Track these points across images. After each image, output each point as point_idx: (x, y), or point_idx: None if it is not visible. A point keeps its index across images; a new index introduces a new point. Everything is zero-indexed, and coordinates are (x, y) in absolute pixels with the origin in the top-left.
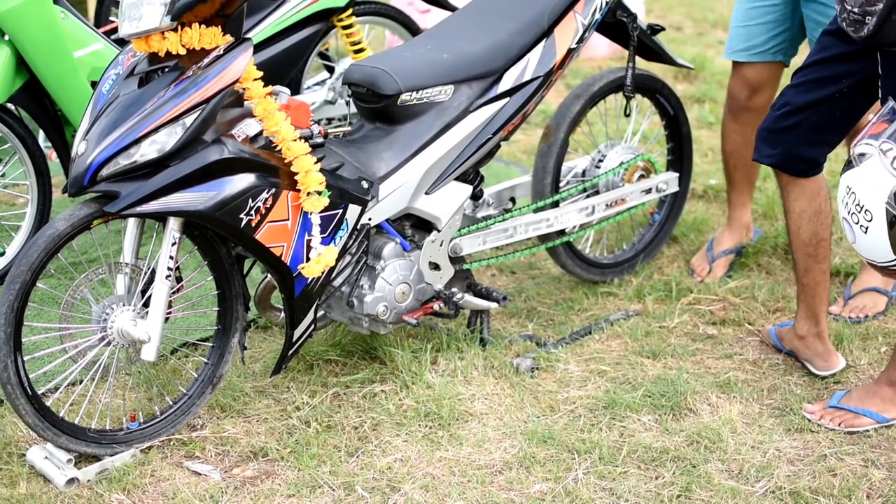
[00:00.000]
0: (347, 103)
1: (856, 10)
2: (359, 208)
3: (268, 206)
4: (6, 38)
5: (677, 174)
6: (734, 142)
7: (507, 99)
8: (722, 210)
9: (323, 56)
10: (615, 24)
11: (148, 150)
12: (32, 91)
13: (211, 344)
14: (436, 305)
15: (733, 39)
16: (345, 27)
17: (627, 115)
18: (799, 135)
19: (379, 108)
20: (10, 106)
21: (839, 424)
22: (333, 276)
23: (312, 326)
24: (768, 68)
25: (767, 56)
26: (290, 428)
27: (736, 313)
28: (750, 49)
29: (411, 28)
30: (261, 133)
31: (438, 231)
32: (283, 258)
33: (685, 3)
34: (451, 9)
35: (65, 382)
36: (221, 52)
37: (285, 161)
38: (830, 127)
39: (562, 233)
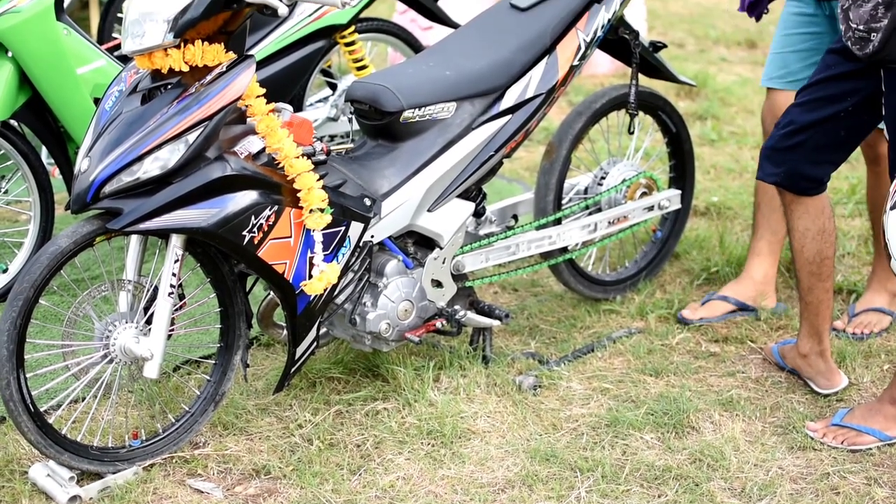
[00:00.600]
0: (350, 120)
1: (861, 27)
2: (361, 226)
3: (270, 223)
4: (9, 54)
5: (679, 191)
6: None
7: (509, 116)
8: (725, 227)
9: (325, 73)
10: (617, 42)
11: (151, 167)
12: (35, 108)
13: (213, 361)
14: (438, 323)
15: (769, 66)
16: (347, 44)
17: (631, 133)
18: (803, 153)
19: (381, 125)
20: (13, 122)
21: (842, 442)
22: (336, 293)
23: (315, 344)
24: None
25: (796, 85)
26: (292, 446)
27: (738, 331)
28: (785, 77)
29: (414, 45)
30: (263, 150)
31: (441, 248)
32: (285, 275)
33: (687, 20)
34: (454, 26)
35: (67, 399)
36: (224, 69)
37: (288, 178)
38: (835, 146)
39: (564, 250)
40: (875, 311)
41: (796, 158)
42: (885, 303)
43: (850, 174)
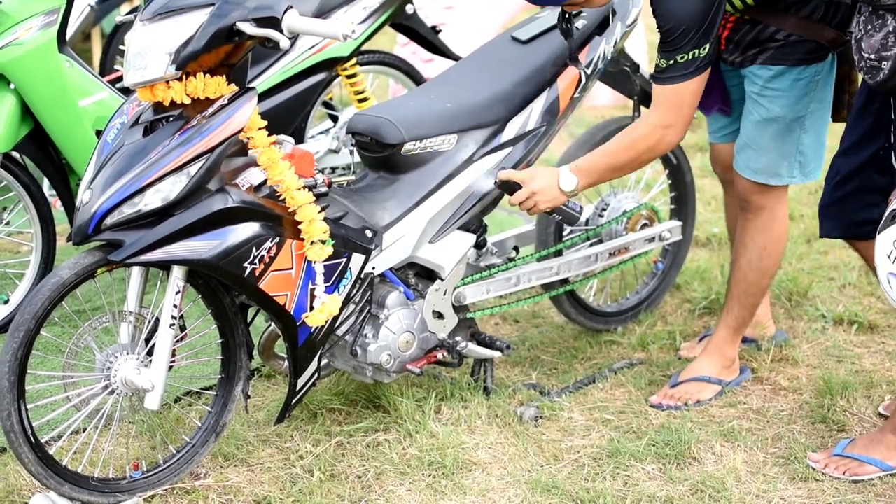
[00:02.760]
0: (351, 152)
1: (872, 56)
2: (362, 257)
3: (272, 254)
4: (12, 86)
5: (680, 223)
6: (731, 213)
7: (510, 148)
8: (726, 258)
9: (327, 105)
10: (618, 74)
11: (152, 199)
12: (37, 139)
13: (214, 392)
14: (439, 354)
15: (708, 122)
16: (349, 76)
17: None
18: (857, 201)
19: (382, 157)
20: (15, 154)
21: (844, 473)
22: (337, 324)
23: (316, 375)
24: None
25: (733, 137)
26: (293, 477)
27: (740, 361)
28: (718, 131)
29: (415, 77)
30: (265, 182)
31: (442, 280)
32: (286, 307)
33: None
34: (455, 58)
35: (68, 430)
36: (226, 101)
37: (289, 210)
38: (886, 183)
39: (565, 281)
40: (697, 381)
41: (851, 208)
42: (714, 371)
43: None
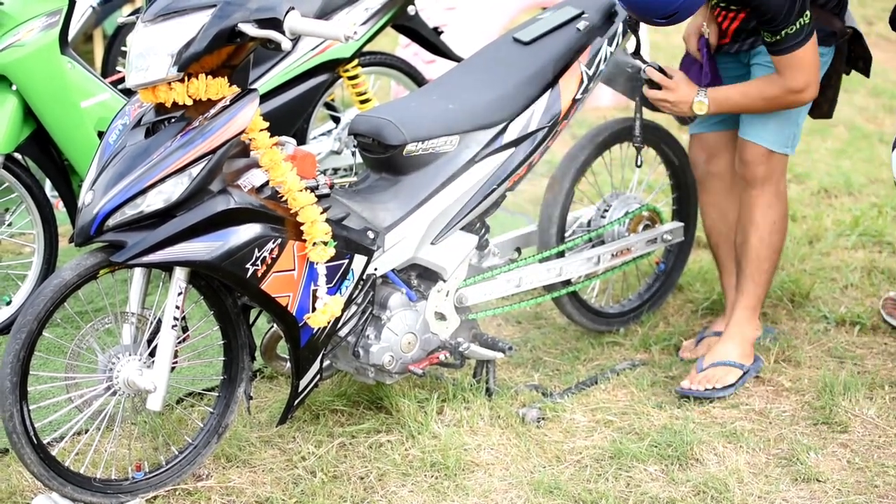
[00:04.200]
0: (353, 153)
1: None
2: (364, 258)
3: (274, 256)
4: (14, 88)
5: (682, 224)
6: (711, 217)
7: (512, 149)
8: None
9: (329, 106)
10: (620, 74)
11: (154, 201)
12: (39, 141)
13: (217, 394)
14: (441, 355)
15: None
16: (350, 78)
17: (639, 166)
18: None
19: (384, 158)
20: (17, 155)
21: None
22: (339, 326)
23: (318, 376)
24: (725, 134)
25: (722, 126)
26: (295, 478)
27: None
28: (705, 121)
29: (417, 79)
30: (267, 183)
31: (444, 281)
32: (288, 308)
33: None
34: (457, 59)
35: (70, 432)
36: (228, 102)
37: (291, 211)
38: None
39: (567, 283)
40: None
41: None
42: (737, 355)
43: (853, 206)
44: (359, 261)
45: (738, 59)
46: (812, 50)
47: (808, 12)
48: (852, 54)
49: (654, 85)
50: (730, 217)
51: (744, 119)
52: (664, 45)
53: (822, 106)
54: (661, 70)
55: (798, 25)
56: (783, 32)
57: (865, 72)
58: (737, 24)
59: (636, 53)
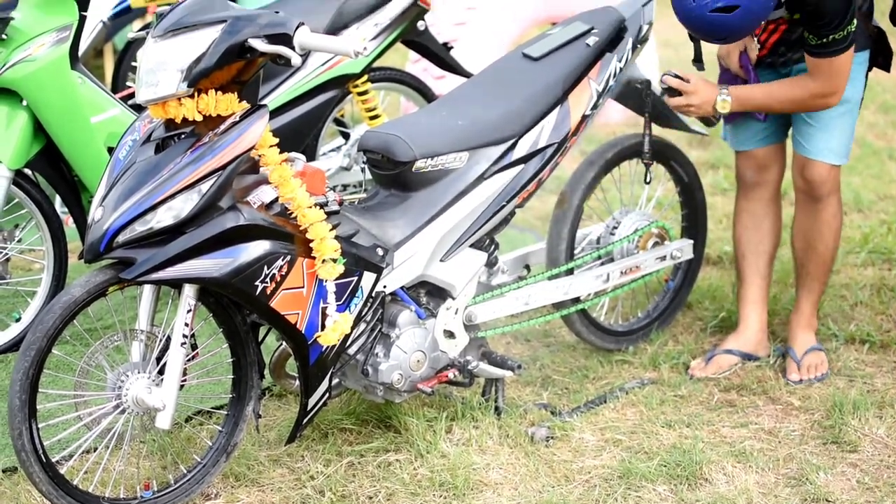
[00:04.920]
0: (363, 170)
1: None
2: (374, 276)
3: (283, 273)
4: (24, 103)
5: (692, 241)
6: (743, 223)
7: (522, 166)
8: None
9: (338, 122)
10: (629, 91)
11: (164, 217)
12: (49, 156)
13: (225, 412)
14: (450, 374)
15: (733, 131)
16: (360, 93)
17: (647, 183)
18: None
19: (394, 174)
20: (28, 171)
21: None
22: (348, 344)
23: (327, 395)
24: (774, 147)
25: (771, 140)
26: (304, 497)
27: (749, 380)
28: (753, 137)
29: (426, 94)
30: (276, 200)
31: (453, 299)
32: (298, 326)
33: None
34: (466, 75)
35: (79, 450)
36: (237, 118)
37: (300, 228)
38: None
39: (577, 300)
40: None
41: None
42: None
43: (863, 223)
44: (368, 278)
45: (777, 72)
46: (849, 58)
47: (855, 20)
48: (873, 51)
49: (674, 93)
50: (764, 226)
51: (805, 137)
52: (674, 60)
53: None
54: (677, 77)
55: (845, 32)
56: (830, 37)
57: (886, 67)
58: (777, 37)
59: (697, 59)
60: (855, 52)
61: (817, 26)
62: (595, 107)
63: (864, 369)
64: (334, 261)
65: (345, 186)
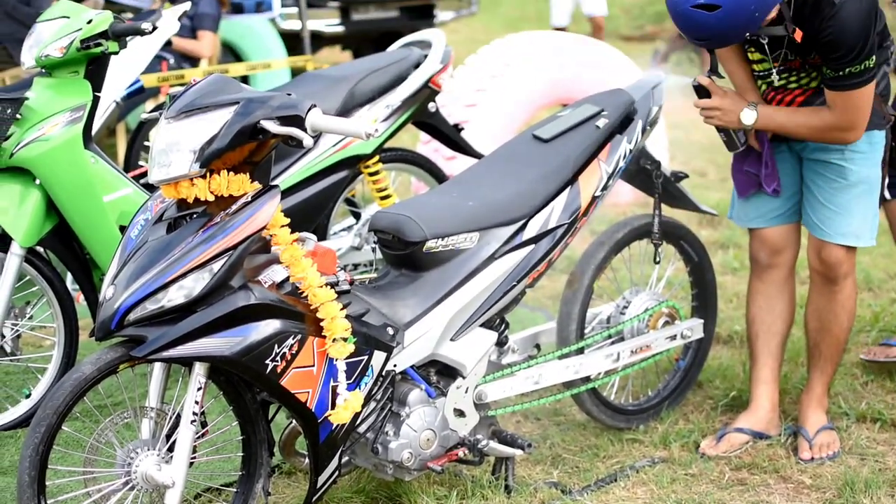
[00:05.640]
0: (373, 249)
1: None
2: (384, 355)
3: (293, 352)
4: (37, 182)
5: (702, 320)
6: (757, 304)
7: (532, 246)
8: (748, 355)
9: (349, 202)
10: (639, 172)
11: (175, 296)
12: (61, 234)
13: (235, 489)
14: (460, 452)
15: (744, 207)
16: (371, 174)
17: (657, 262)
18: None
19: (405, 254)
20: (40, 249)
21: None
22: (358, 422)
23: (337, 472)
24: (787, 228)
25: (783, 219)
26: None
27: (761, 458)
28: (765, 215)
29: (437, 175)
30: (287, 279)
31: (463, 378)
32: (308, 404)
33: (708, 149)
34: (477, 156)
35: None
36: (249, 198)
37: (311, 307)
38: None
39: (587, 379)
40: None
41: None
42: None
43: (873, 302)
44: (378, 357)
45: (791, 148)
46: (868, 94)
47: (874, 57)
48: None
49: (703, 94)
50: (777, 308)
51: (824, 220)
52: (683, 141)
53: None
54: (710, 79)
55: (862, 66)
56: (847, 70)
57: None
58: (799, 103)
59: (713, 71)
60: (872, 129)
61: (833, 59)
62: (605, 188)
63: (876, 448)
64: (345, 340)
65: (356, 266)
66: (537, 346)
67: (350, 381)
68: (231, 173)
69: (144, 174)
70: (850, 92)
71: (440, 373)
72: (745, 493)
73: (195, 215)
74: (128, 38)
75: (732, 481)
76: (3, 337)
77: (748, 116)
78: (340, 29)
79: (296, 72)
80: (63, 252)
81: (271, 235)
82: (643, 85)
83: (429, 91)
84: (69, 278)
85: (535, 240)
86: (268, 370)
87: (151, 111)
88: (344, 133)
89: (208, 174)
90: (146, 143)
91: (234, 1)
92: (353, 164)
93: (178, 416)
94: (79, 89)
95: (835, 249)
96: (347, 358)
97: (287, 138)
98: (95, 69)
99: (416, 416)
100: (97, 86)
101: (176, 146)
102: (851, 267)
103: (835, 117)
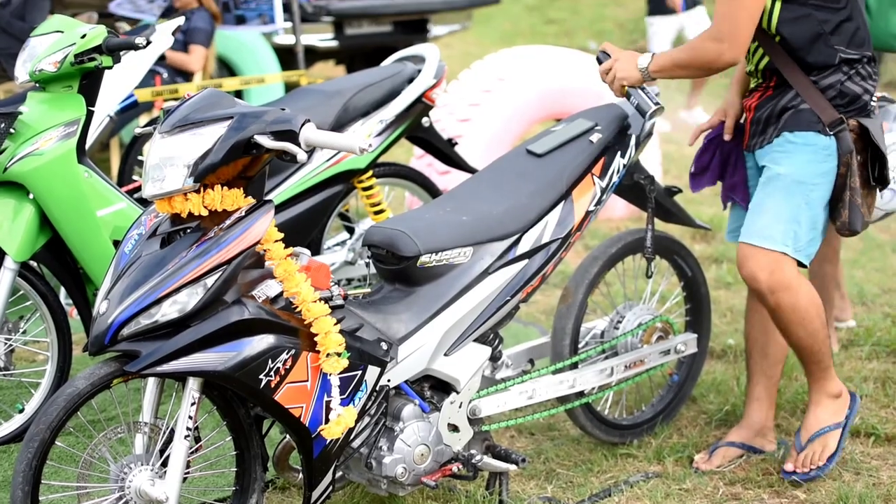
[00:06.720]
0: (367, 264)
1: None
2: (378, 370)
3: (287, 367)
4: (31, 196)
5: (696, 335)
6: (752, 321)
7: (526, 261)
8: (741, 370)
9: (343, 217)
10: (633, 186)
11: (169, 311)
12: (55, 249)
13: None
14: (454, 467)
15: (731, 219)
16: (365, 188)
17: (649, 277)
18: None
19: (398, 269)
20: (33, 263)
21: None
22: (352, 437)
23: (331, 487)
24: None
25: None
26: None
27: (754, 472)
28: (738, 229)
29: (431, 190)
30: (281, 294)
31: (457, 393)
32: (301, 419)
33: None
34: (471, 171)
35: None
36: (243, 213)
37: (305, 322)
38: None
39: (581, 394)
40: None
41: None
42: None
43: (867, 316)
44: (372, 372)
45: (756, 164)
46: (743, 6)
47: None
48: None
49: (606, 58)
50: (770, 327)
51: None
52: (676, 156)
53: (840, 212)
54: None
55: None
56: None
57: (881, 182)
58: (752, 114)
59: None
60: (798, 130)
61: None
62: (598, 202)
63: (870, 462)
64: (339, 355)
65: (349, 281)
66: (531, 361)
67: (344, 396)
68: (225, 188)
69: (138, 189)
70: (726, 1)
71: (434, 388)
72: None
73: (189, 230)
74: (122, 53)
75: (726, 496)
76: None
77: (644, 59)
78: (334, 44)
79: (290, 86)
80: (56, 267)
81: (265, 250)
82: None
83: (422, 106)
84: (62, 293)
85: (528, 255)
86: (262, 385)
87: (145, 126)
88: (338, 148)
89: (202, 189)
90: (140, 158)
91: (236, 13)
92: (346, 179)
93: (172, 431)
94: (73, 104)
95: (742, 249)
96: (341, 373)
97: (281, 153)
98: (89, 84)
99: (409, 431)
100: (91, 100)
101: (170, 161)
102: (777, 282)
103: (712, 31)
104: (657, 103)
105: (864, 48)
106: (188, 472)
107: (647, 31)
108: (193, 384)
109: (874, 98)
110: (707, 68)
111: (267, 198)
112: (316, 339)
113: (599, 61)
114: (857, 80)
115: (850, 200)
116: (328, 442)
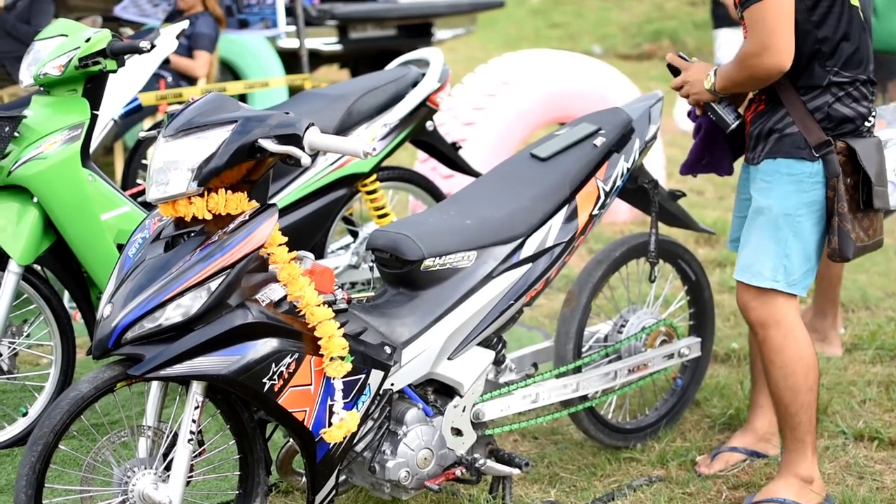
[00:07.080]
0: (371, 268)
1: None
2: (381, 374)
3: (291, 370)
4: (35, 200)
5: (699, 339)
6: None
7: (529, 265)
8: (745, 374)
9: (347, 220)
10: (637, 190)
11: (173, 314)
12: (59, 252)
13: None
14: (458, 471)
15: (732, 229)
16: (369, 192)
17: (653, 281)
18: None
19: (402, 273)
20: (37, 267)
21: None
22: (355, 441)
23: (334, 491)
24: None
25: None
26: None
27: (757, 477)
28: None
29: (435, 193)
30: (285, 298)
31: (461, 396)
32: (305, 423)
33: None
34: (475, 174)
35: None
36: (247, 217)
37: (309, 326)
38: None
39: (584, 398)
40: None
41: None
42: (791, 493)
43: (870, 320)
44: (376, 376)
45: (746, 167)
46: (771, 7)
47: None
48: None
49: (676, 73)
50: None
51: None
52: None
53: (830, 239)
54: (680, 56)
55: None
56: None
57: (868, 203)
58: (748, 128)
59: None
60: (782, 157)
61: None
62: (602, 206)
63: (874, 467)
64: (342, 359)
65: (353, 284)
66: (535, 365)
67: (347, 400)
68: (229, 192)
69: (142, 192)
70: (752, 7)
71: (437, 392)
72: None
73: (193, 234)
74: (126, 57)
75: (730, 500)
76: (1, 355)
77: (708, 80)
78: (338, 47)
79: (294, 90)
80: (60, 270)
81: (269, 254)
82: (641, 104)
83: (426, 110)
84: (66, 296)
85: (532, 258)
86: (265, 389)
87: (149, 129)
88: (342, 151)
89: (206, 192)
90: (144, 162)
91: (239, 17)
92: (350, 183)
93: (175, 435)
94: (77, 107)
95: (738, 288)
96: (345, 377)
97: (285, 157)
98: (93, 87)
99: (413, 434)
100: (95, 104)
101: (174, 164)
102: (767, 316)
103: (748, 44)
104: (737, 118)
105: (860, 70)
106: (191, 476)
107: (713, 43)
108: (197, 388)
109: (869, 119)
110: (758, 80)
111: (271, 201)
112: (319, 342)
113: (671, 69)
114: (848, 101)
115: (838, 227)
116: (331, 446)
